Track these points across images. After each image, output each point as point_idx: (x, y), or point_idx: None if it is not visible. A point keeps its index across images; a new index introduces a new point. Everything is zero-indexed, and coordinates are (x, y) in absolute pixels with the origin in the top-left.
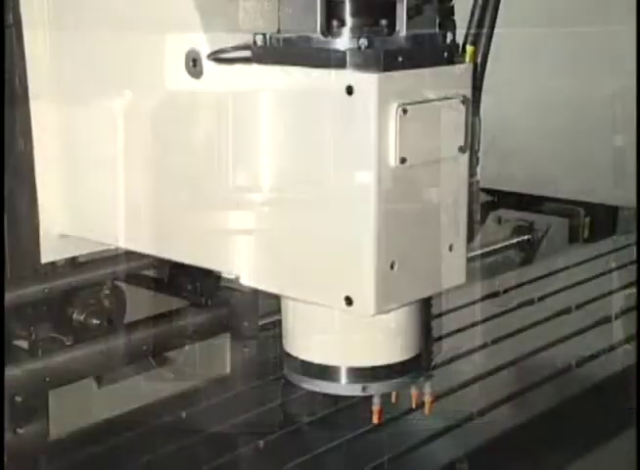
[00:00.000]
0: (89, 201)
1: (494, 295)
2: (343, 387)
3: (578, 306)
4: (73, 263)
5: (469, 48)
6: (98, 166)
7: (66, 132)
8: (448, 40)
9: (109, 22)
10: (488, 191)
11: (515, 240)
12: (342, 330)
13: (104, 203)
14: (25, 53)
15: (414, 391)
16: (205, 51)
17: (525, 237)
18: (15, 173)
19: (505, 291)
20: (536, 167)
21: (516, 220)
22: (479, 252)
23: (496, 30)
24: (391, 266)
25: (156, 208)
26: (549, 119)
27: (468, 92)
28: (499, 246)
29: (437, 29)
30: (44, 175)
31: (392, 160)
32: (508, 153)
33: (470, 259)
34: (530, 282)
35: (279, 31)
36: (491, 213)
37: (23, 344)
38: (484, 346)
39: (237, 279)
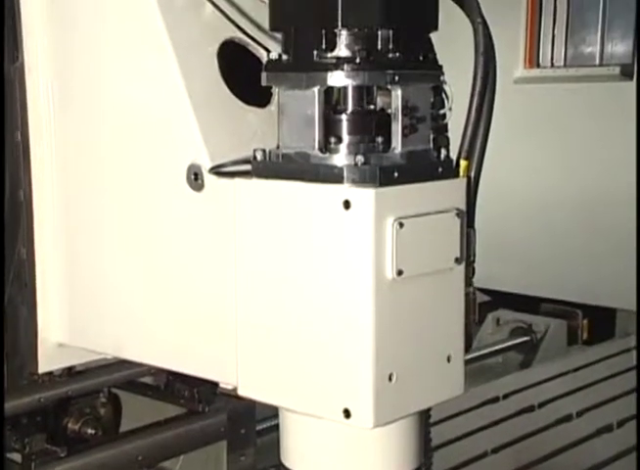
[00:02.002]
0: (88, 310)
1: (494, 400)
2: None
3: (579, 414)
4: (70, 372)
5: (462, 162)
6: (97, 277)
7: (67, 242)
8: (442, 156)
9: (112, 135)
10: (487, 291)
11: (514, 342)
12: (340, 443)
13: (102, 313)
14: (31, 166)
15: None
16: (206, 165)
17: (524, 339)
18: (15, 281)
19: (505, 396)
20: (535, 268)
21: (514, 321)
22: (478, 353)
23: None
24: (389, 379)
25: (153, 318)
26: (548, 220)
27: (462, 205)
28: (498, 347)
29: (432, 145)
30: (44, 284)
31: (389, 272)
32: (506, 253)
33: (469, 361)
34: (531, 387)
35: (278, 147)
36: (490, 314)
37: (17, 457)
38: (484, 455)
39: (234, 390)
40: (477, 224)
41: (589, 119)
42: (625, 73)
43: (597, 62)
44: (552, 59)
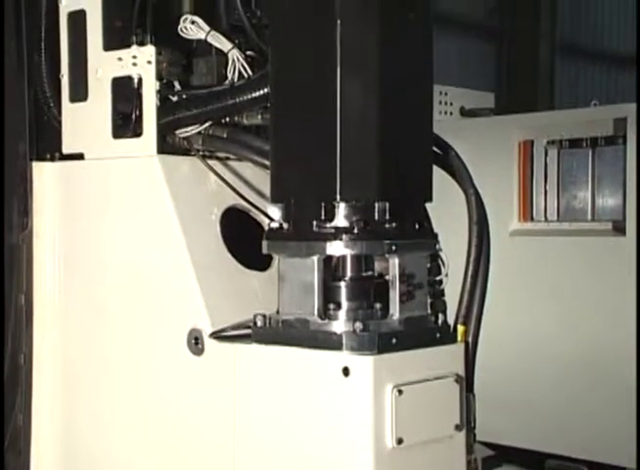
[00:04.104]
0: None
1: None
2: None
3: None
4: None
5: (460, 328)
6: (94, 445)
7: (64, 409)
8: (440, 321)
9: (114, 299)
10: (490, 445)
11: None
12: None
13: None
14: (33, 330)
15: None
16: (207, 330)
17: None
18: (10, 449)
19: None
20: (539, 422)
21: None
22: None
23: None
24: None
25: None
26: (549, 372)
27: (461, 371)
28: None
29: (429, 310)
30: (39, 453)
31: (389, 441)
32: (509, 406)
33: None
34: None
35: (278, 312)
36: None
37: None
38: None
39: None
40: (477, 376)
41: (584, 272)
42: (617, 229)
43: (589, 217)
44: (545, 213)
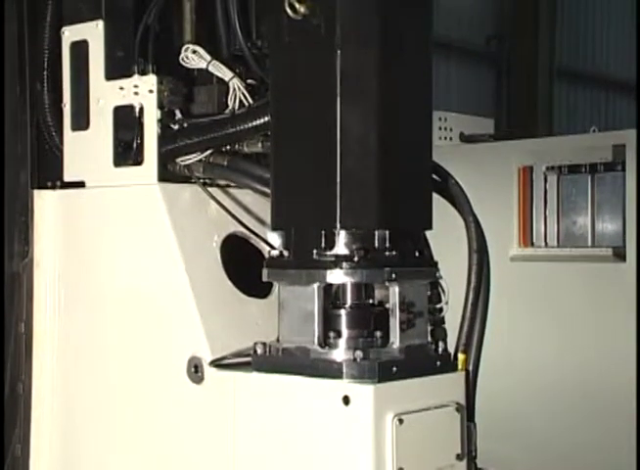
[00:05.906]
0: None
1: None
2: None
3: None
4: None
5: (460, 356)
6: None
7: (63, 438)
8: (440, 349)
9: (114, 327)
10: None
11: None
12: None
13: None
14: (33, 358)
15: None
16: (207, 358)
17: None
18: None
19: None
20: (540, 450)
21: None
22: None
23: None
24: None
25: None
26: (551, 401)
27: (462, 399)
28: None
29: (430, 338)
30: None
31: None
32: (511, 434)
33: None
34: None
35: (278, 340)
36: None
37: None
38: None
39: None
40: (478, 403)
41: (585, 298)
42: (617, 255)
43: (589, 243)
44: (545, 238)
